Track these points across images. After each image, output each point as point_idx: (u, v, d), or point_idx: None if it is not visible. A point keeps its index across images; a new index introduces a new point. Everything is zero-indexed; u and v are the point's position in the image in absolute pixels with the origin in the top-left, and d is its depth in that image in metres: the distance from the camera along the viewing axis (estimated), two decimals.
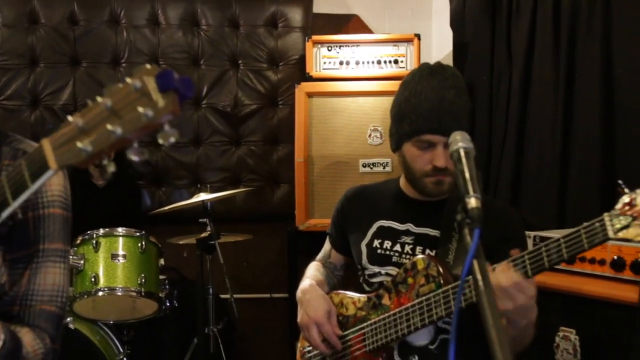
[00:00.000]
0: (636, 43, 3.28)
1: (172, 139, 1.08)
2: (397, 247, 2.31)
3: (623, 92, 3.36)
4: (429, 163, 2.18)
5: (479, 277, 1.29)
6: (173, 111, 1.05)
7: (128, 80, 1.07)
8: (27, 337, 1.61)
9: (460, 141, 1.54)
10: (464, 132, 1.59)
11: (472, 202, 1.38)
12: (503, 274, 1.84)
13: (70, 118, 1.14)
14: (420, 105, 2.17)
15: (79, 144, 1.11)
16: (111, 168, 1.15)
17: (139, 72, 1.07)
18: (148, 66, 1.08)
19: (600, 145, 3.41)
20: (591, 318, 2.60)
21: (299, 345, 2.51)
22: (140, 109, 1.05)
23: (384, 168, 4.27)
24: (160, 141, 1.09)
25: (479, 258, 1.31)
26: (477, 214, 1.35)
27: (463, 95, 2.21)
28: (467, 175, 1.45)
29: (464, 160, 1.50)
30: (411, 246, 2.29)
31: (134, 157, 1.12)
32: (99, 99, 1.11)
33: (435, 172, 2.18)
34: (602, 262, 2.67)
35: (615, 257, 2.62)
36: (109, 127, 1.08)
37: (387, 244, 2.33)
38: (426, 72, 2.24)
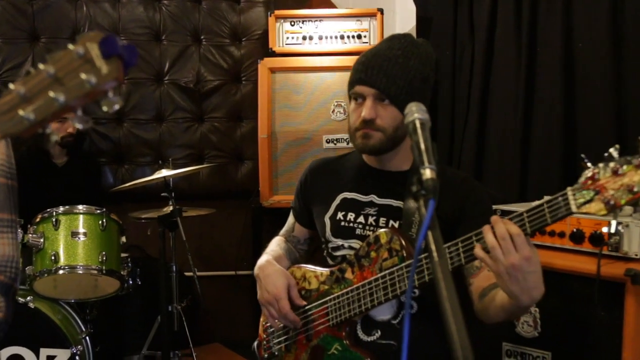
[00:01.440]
0: (596, 17, 3.30)
1: (117, 106, 1.06)
2: (361, 219, 2.28)
3: (583, 65, 3.39)
4: (360, 116, 2.17)
5: (433, 247, 1.28)
6: (117, 78, 1.03)
7: (71, 46, 1.05)
8: None
9: (415, 112, 1.52)
10: (419, 102, 1.57)
11: (427, 173, 1.36)
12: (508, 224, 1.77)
13: (11, 86, 1.11)
14: (358, 61, 2.21)
15: (21, 112, 1.09)
16: (54, 137, 1.13)
17: (82, 39, 1.04)
18: (93, 33, 1.05)
19: (561, 118, 3.44)
20: (551, 290, 2.59)
21: (261, 320, 2.49)
22: (83, 76, 1.03)
23: (347, 143, 4.26)
24: (105, 109, 1.06)
25: (434, 229, 1.30)
26: (431, 185, 1.33)
27: (412, 59, 2.17)
28: (422, 146, 1.43)
29: (419, 131, 1.48)
30: (375, 217, 2.26)
31: (79, 125, 1.09)
32: (41, 66, 1.08)
33: (362, 125, 2.17)
34: (561, 235, 2.69)
35: (575, 230, 2.64)
36: (51, 94, 1.06)
37: (351, 216, 2.30)
38: (388, 37, 2.25)
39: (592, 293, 2.42)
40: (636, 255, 2.49)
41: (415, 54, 2.18)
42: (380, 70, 2.13)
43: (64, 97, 1.05)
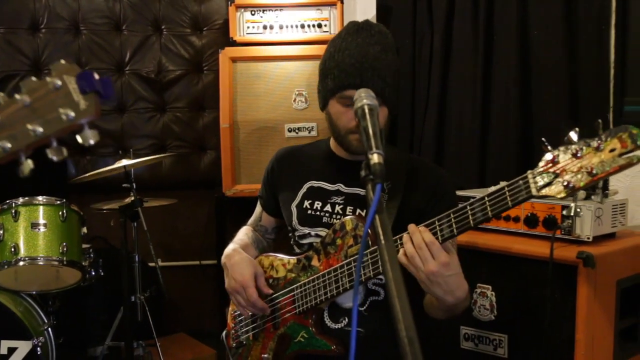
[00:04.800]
0: (550, 5, 3.37)
1: (92, 141, 1.08)
2: (328, 208, 2.30)
3: (538, 52, 3.45)
4: (353, 119, 2.11)
5: (380, 231, 1.30)
6: (95, 113, 1.05)
7: (48, 79, 1.06)
8: None
9: (364, 98, 1.55)
10: (368, 89, 1.59)
11: (375, 157, 1.39)
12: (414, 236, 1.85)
13: None
14: (343, 61, 2.14)
15: None
16: (29, 165, 1.13)
17: (58, 70, 1.05)
18: (63, 61, 1.06)
19: (517, 104, 3.50)
20: (506, 274, 2.66)
21: (229, 309, 2.50)
22: (62, 110, 1.04)
23: (309, 132, 4.27)
24: (80, 141, 1.08)
25: (381, 213, 1.32)
26: (379, 170, 1.36)
27: (389, 52, 2.17)
28: (370, 131, 1.46)
29: (367, 116, 1.51)
30: (341, 206, 2.28)
31: (54, 157, 1.10)
32: (17, 96, 1.08)
33: (358, 129, 2.17)
34: (516, 219, 2.74)
35: (529, 214, 2.69)
36: (29, 126, 1.07)
37: (318, 204, 2.32)
38: (353, 29, 2.21)
39: (546, 276, 2.47)
40: (588, 238, 2.54)
41: (388, 45, 2.19)
42: (374, 74, 2.10)
43: (42, 129, 1.07)
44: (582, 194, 2.67)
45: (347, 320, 2.20)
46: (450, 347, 2.84)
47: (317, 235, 2.29)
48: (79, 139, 1.07)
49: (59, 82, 1.05)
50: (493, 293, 2.68)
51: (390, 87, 2.13)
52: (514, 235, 2.76)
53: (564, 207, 2.56)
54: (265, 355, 2.31)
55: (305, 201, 2.35)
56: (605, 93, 3.18)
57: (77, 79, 1.04)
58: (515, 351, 2.63)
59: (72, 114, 1.04)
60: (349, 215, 2.24)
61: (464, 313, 2.73)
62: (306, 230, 2.33)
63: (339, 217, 2.26)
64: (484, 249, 2.70)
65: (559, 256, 2.45)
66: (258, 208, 2.63)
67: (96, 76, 1.04)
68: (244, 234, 2.58)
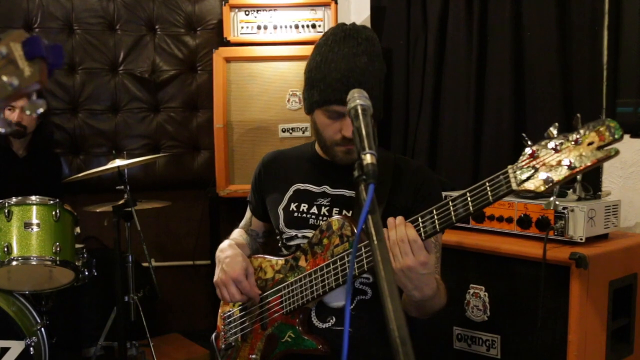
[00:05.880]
0: (543, 7, 3.38)
1: (40, 110, 1.04)
2: (314, 210, 2.30)
3: (531, 53, 3.46)
4: (339, 132, 2.15)
5: (372, 231, 1.31)
6: (40, 80, 1.01)
7: None
8: None
9: (357, 99, 1.55)
10: (361, 89, 1.59)
11: (368, 158, 1.39)
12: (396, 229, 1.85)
13: None
14: (329, 74, 2.12)
15: None
16: None
17: (6, 38, 1.02)
18: (17, 32, 1.03)
19: (511, 106, 3.51)
20: (499, 275, 2.67)
21: (220, 311, 2.50)
22: (5, 78, 1.01)
23: (303, 133, 4.28)
24: (28, 112, 1.05)
25: (374, 213, 1.33)
26: (371, 170, 1.36)
27: (376, 61, 2.16)
28: (363, 131, 1.46)
29: (360, 117, 1.51)
30: (327, 208, 2.28)
31: (1, 130, 1.07)
32: None
33: (344, 142, 2.16)
34: (509, 220, 2.75)
35: (522, 215, 2.70)
36: None
37: (304, 206, 2.32)
38: (339, 37, 2.17)
39: (539, 277, 2.48)
40: (581, 239, 2.55)
41: (375, 53, 2.17)
42: (360, 88, 2.09)
43: None
44: (574, 195, 2.69)
45: (334, 319, 2.19)
46: (443, 347, 2.84)
47: (304, 237, 2.29)
48: (26, 111, 1.05)
49: (5, 50, 1.01)
50: (486, 294, 2.69)
51: (376, 99, 2.10)
52: (507, 236, 2.77)
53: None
54: (253, 356, 2.31)
55: (292, 204, 2.35)
56: (598, 94, 3.19)
57: (23, 44, 1.01)
58: (508, 352, 2.65)
59: (16, 82, 1.01)
60: (335, 216, 2.24)
61: (457, 313, 2.76)
62: (293, 232, 2.32)
63: (325, 218, 2.26)
64: (477, 249, 2.71)
65: (552, 257, 2.46)
66: (248, 213, 2.63)
67: (45, 42, 1.01)
68: (238, 234, 2.58)
